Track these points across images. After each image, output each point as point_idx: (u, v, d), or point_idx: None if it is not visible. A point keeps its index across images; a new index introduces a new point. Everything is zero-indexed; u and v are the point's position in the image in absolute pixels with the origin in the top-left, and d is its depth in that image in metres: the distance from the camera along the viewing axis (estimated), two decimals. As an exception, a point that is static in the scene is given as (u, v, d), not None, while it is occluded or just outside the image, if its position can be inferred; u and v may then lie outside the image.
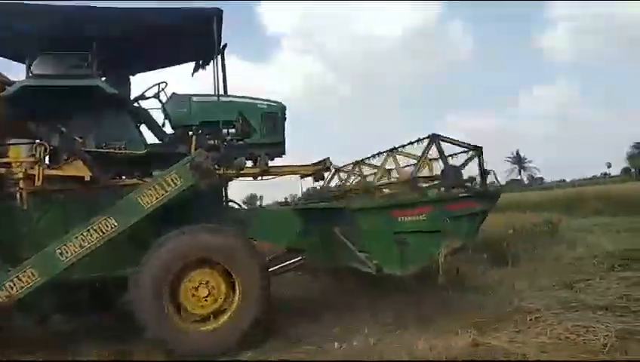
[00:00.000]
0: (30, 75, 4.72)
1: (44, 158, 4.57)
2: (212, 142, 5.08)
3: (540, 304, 4.30)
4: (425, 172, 5.31)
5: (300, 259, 5.44)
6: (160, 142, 5.33)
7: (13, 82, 4.65)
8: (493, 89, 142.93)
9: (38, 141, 4.58)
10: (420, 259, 4.54)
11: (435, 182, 5.09)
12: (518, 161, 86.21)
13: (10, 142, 4.76)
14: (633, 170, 62.23)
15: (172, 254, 4.33)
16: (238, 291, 4.45)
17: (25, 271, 4.10)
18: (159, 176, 4.50)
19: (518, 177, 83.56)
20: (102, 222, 4.21)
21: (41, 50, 4.74)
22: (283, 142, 5.44)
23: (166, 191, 4.36)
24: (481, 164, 4.83)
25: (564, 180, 62.29)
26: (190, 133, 5.13)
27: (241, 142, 5.25)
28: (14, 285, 4.08)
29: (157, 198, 4.33)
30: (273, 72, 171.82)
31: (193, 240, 4.43)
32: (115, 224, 4.23)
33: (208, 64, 5.72)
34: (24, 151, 4.68)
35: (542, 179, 76.68)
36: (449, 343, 3.56)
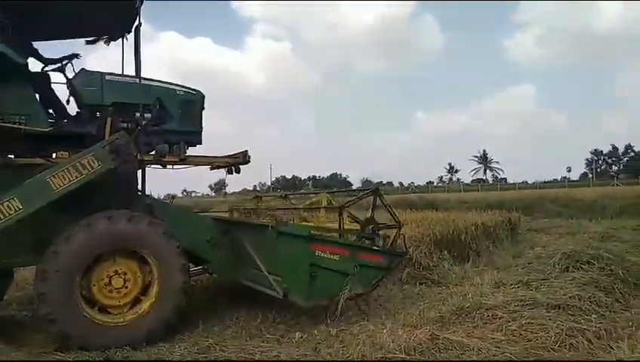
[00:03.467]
0: None
1: None
2: (125, 125, 4.69)
3: (497, 301, 4.43)
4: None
5: (201, 269, 5.48)
6: (62, 120, 4.81)
7: None
8: (460, 88, 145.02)
9: None
10: (324, 295, 4.65)
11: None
12: (484, 160, 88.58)
13: None
14: (591, 175, 64.83)
15: (87, 242, 4.03)
16: (156, 282, 4.27)
17: None
18: (74, 158, 4.11)
19: (484, 176, 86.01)
20: (4, 204, 3.75)
21: None
22: (200, 132, 5.25)
23: (80, 175, 3.99)
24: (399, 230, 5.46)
25: (526, 182, 64.35)
26: (98, 113, 4.73)
27: (156, 128, 4.91)
28: None
29: (69, 181, 3.96)
30: (242, 57, 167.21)
31: (111, 227, 4.13)
32: (20, 206, 3.78)
33: (115, 41, 5.34)
34: None
35: (505, 179, 79.15)
36: (410, 335, 3.64)
